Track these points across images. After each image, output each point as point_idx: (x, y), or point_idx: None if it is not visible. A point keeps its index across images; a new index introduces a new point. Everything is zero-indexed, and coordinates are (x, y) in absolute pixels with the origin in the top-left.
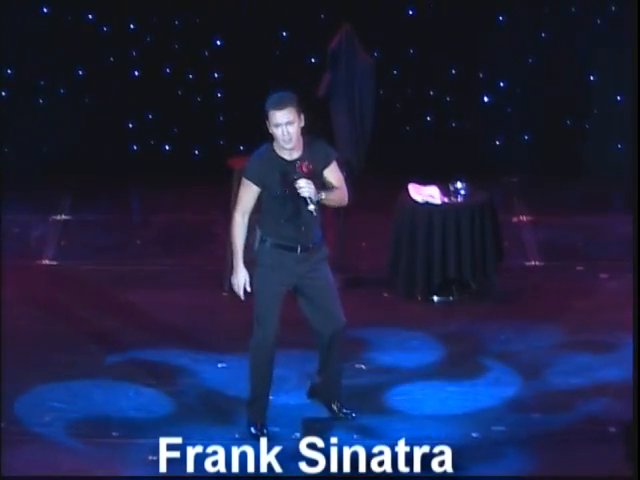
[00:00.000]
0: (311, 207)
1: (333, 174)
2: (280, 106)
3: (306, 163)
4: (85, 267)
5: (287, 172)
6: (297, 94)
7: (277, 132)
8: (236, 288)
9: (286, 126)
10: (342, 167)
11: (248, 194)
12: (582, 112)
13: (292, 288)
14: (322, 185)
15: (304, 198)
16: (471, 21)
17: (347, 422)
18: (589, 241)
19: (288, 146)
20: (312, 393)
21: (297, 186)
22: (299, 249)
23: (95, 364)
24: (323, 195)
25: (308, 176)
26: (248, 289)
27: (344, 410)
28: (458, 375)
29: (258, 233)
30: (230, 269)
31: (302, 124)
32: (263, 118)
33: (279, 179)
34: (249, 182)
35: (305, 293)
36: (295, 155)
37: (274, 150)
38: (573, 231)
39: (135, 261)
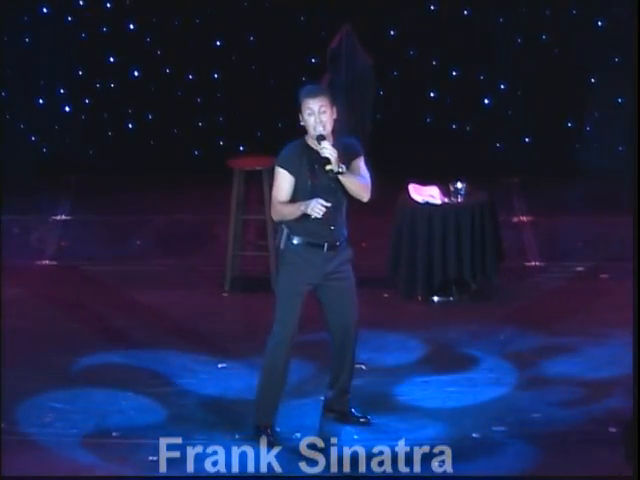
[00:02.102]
0: (329, 167)
1: (359, 167)
2: (314, 94)
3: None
4: (85, 267)
5: (318, 164)
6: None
7: (310, 120)
8: (315, 208)
9: (319, 114)
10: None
11: (284, 183)
12: (583, 114)
13: (315, 286)
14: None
15: (325, 159)
16: (471, 22)
17: (347, 422)
18: (589, 241)
19: (318, 132)
20: (328, 408)
21: (320, 146)
22: (326, 247)
23: (95, 364)
24: (344, 168)
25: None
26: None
27: (355, 413)
28: (458, 375)
29: (285, 232)
30: (232, 267)
31: (335, 117)
32: (295, 111)
33: (310, 172)
34: (284, 171)
35: (325, 292)
36: None
37: (307, 144)
38: (573, 231)
39: (135, 261)
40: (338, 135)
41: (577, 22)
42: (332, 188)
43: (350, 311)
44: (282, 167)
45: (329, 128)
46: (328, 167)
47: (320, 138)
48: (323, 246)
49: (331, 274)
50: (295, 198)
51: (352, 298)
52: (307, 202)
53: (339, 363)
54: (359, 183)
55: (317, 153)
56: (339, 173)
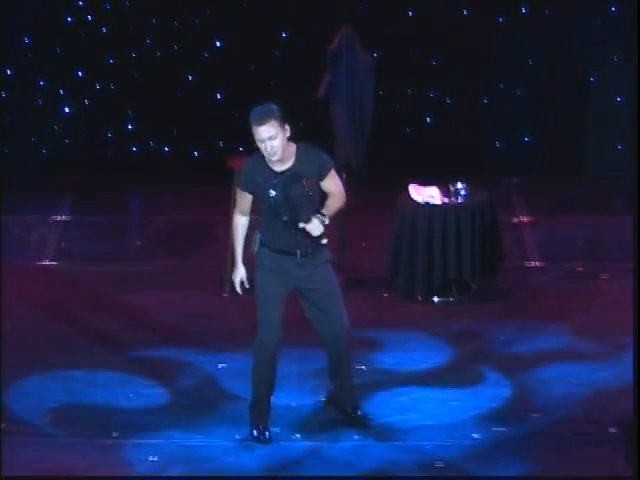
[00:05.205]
0: (324, 241)
1: (331, 183)
2: (260, 121)
3: (304, 180)
4: (85, 267)
5: (277, 183)
6: (279, 104)
7: (261, 147)
8: (235, 285)
9: (269, 141)
10: (341, 169)
11: (243, 199)
12: (582, 113)
13: (293, 290)
14: (319, 192)
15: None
16: (471, 21)
17: (347, 422)
18: (589, 241)
19: (273, 159)
20: (328, 402)
21: (307, 230)
22: (299, 254)
23: (95, 364)
24: (326, 220)
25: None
26: (246, 285)
27: (359, 413)
28: (458, 375)
29: (258, 236)
30: (231, 267)
31: (288, 134)
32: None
33: (271, 190)
34: (241, 191)
35: (306, 297)
36: (285, 166)
37: (264, 160)
38: (573, 231)
39: (135, 261)
40: (300, 147)
41: (576, 21)
42: (294, 204)
43: (335, 312)
44: (240, 188)
45: (280, 153)
46: (323, 242)
47: (305, 222)
48: (295, 254)
49: (307, 278)
50: (265, 214)
51: (333, 299)
52: (237, 266)
53: (335, 366)
54: (337, 205)
55: (275, 172)
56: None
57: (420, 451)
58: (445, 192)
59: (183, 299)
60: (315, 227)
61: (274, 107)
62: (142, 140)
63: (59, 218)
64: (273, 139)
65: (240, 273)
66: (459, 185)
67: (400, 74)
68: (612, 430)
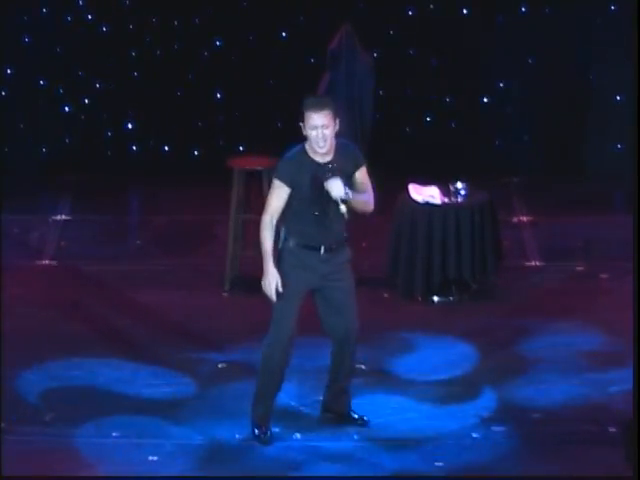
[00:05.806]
0: (343, 208)
1: (362, 179)
2: (318, 108)
3: (336, 166)
4: (85, 267)
5: (318, 175)
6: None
7: (312, 134)
8: (267, 290)
9: (322, 129)
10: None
11: (279, 195)
12: (582, 112)
13: (313, 290)
14: (350, 186)
15: (335, 200)
16: (471, 21)
17: (346, 424)
18: (589, 241)
19: (322, 150)
20: (326, 409)
21: (327, 186)
22: (323, 249)
23: (95, 364)
24: (350, 194)
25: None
26: (280, 290)
27: (354, 415)
28: (458, 375)
29: (282, 233)
30: (231, 266)
31: (337, 128)
32: (299, 120)
33: (309, 181)
34: (281, 183)
35: (324, 294)
36: (327, 158)
37: (306, 152)
38: (573, 231)
39: (135, 261)
40: (338, 143)
41: (576, 20)
42: (331, 197)
43: (350, 312)
44: (280, 180)
45: (329, 143)
46: (342, 209)
47: (327, 177)
48: (320, 249)
49: (329, 275)
50: (296, 207)
51: (349, 299)
52: (269, 271)
53: (337, 365)
54: (363, 199)
55: (317, 163)
56: (346, 201)
57: (420, 451)
58: (445, 192)
59: (183, 299)
60: (335, 186)
61: (330, 99)
62: (142, 139)
63: (59, 218)
64: (326, 128)
65: (275, 278)
66: (459, 185)
67: (400, 74)
68: (612, 430)
